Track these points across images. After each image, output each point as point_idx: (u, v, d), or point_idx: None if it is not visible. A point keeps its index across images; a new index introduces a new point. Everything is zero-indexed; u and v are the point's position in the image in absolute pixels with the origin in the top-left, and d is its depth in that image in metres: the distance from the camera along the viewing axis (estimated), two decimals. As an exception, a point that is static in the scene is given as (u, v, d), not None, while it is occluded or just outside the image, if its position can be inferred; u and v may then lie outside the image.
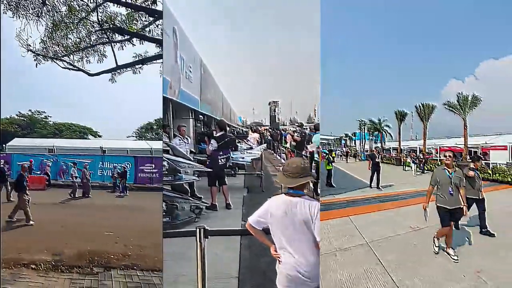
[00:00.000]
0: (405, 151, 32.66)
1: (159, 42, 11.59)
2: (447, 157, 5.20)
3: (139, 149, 19.51)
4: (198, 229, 2.84)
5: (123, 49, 11.33)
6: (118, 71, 12.02)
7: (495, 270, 4.72)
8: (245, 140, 8.85)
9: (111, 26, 10.92)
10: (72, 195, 13.50)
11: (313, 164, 6.96)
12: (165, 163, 5.12)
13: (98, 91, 39.64)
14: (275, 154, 9.29)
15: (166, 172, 5.16)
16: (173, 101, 6.63)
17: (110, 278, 5.45)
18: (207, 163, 5.81)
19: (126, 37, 11.21)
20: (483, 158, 7.05)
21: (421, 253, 5.42)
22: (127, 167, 16.15)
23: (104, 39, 11.26)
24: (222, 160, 5.88)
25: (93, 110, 49.55)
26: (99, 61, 11.45)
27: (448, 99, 27.36)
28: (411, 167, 20.46)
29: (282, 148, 8.98)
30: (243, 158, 7.16)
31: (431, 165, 22.17)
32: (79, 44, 11.04)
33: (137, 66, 12.05)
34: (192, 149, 6.83)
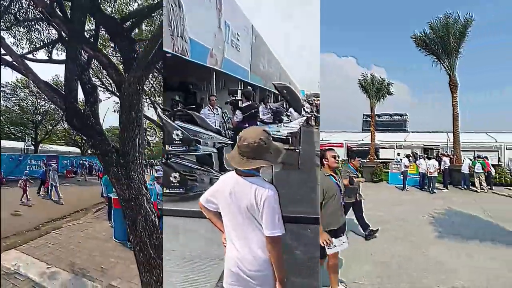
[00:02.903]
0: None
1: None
2: (334, 159, 3.83)
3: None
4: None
5: None
6: None
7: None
8: (287, 113, 8.37)
9: None
10: None
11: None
12: (179, 132, 4.84)
13: None
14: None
15: (180, 142, 4.88)
16: (218, 71, 6.19)
17: None
18: (231, 135, 5.67)
19: None
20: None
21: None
22: None
23: None
24: None
25: None
26: None
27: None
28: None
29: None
30: (278, 131, 6.66)
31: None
32: None
33: None
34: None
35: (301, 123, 7.76)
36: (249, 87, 8.70)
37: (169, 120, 4.86)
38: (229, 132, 6.00)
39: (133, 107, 4.02)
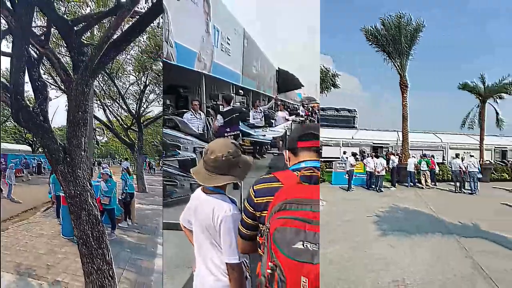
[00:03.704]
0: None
1: None
2: None
3: None
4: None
5: None
6: None
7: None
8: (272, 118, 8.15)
9: None
10: None
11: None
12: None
13: None
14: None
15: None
16: (208, 75, 6.12)
17: None
18: (213, 139, 5.49)
19: None
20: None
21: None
22: None
23: None
24: (230, 137, 5.45)
25: None
26: None
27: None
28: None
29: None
30: (264, 136, 6.82)
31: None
32: None
33: None
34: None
35: (287, 127, 8.03)
36: (240, 90, 8.81)
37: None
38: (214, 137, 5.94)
39: (80, 107, 4.24)
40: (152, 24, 8.48)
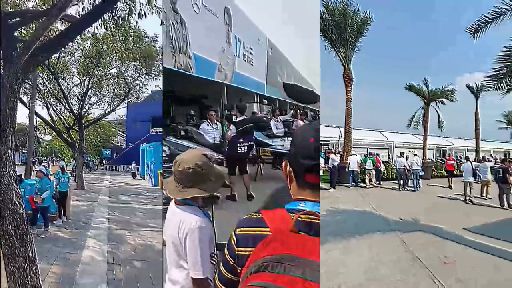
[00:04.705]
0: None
1: None
2: None
3: None
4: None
5: None
6: None
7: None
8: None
9: None
10: None
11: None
12: (165, 148, 4.74)
13: None
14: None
15: (167, 158, 4.74)
16: (230, 85, 5.95)
17: None
18: (226, 149, 5.48)
19: None
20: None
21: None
22: None
23: None
24: (243, 148, 5.51)
25: None
26: None
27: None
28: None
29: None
30: (282, 145, 6.62)
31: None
32: None
33: None
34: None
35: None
36: (264, 100, 8.78)
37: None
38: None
39: (8, 103, 4.16)
40: (92, 30, 8.49)
